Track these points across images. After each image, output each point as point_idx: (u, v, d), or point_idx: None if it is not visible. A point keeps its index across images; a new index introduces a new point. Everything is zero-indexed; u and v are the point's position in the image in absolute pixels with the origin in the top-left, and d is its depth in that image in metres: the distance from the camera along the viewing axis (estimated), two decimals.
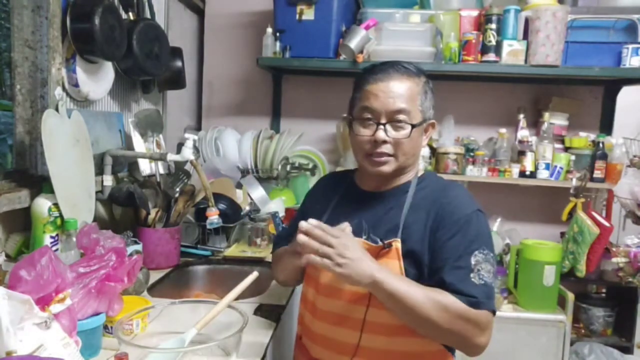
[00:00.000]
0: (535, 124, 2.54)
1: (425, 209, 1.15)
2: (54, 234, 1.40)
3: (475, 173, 2.38)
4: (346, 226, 1.12)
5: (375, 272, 1.02)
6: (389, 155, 1.17)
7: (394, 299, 1.04)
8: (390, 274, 1.06)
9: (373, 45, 2.29)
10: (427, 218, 1.14)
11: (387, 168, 1.18)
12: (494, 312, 1.09)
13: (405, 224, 1.15)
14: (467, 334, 1.05)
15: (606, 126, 2.54)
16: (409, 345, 1.13)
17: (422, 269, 1.12)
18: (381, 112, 1.15)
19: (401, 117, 1.15)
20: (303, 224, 1.05)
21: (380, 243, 1.14)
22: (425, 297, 1.04)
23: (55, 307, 0.97)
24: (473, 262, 1.08)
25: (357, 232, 1.16)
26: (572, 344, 2.27)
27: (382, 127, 1.15)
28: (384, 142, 1.16)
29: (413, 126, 1.15)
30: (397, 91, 1.15)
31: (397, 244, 1.13)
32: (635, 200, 2.12)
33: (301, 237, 1.04)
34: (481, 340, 1.07)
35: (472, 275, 1.07)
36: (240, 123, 2.68)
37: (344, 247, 1.02)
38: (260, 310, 1.42)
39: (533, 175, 2.38)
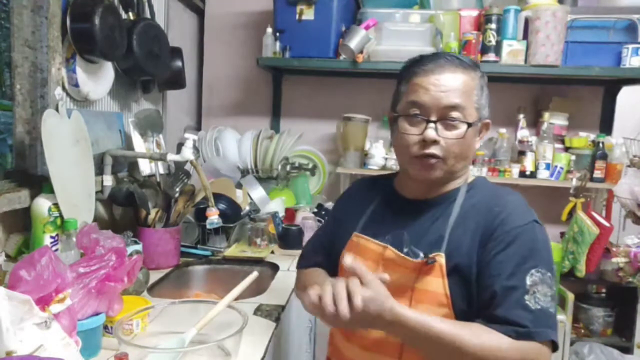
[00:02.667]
0: (535, 124, 2.54)
1: (475, 220, 1.02)
2: (54, 234, 1.40)
3: (476, 173, 2.38)
4: (386, 279, 0.92)
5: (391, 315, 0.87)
6: (439, 157, 1.02)
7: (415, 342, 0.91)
8: (409, 320, 0.88)
9: (373, 45, 2.29)
10: (476, 229, 1.00)
11: (436, 173, 1.04)
12: (553, 343, 0.92)
13: (451, 237, 1.01)
14: None
15: (606, 126, 2.54)
16: None
17: (470, 287, 0.98)
18: (432, 107, 1.01)
19: (455, 114, 1.01)
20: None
21: (421, 257, 1.01)
22: (454, 342, 0.88)
23: (55, 307, 0.97)
24: (529, 282, 0.93)
25: (397, 244, 1.05)
26: (572, 344, 2.27)
27: (432, 124, 1.00)
28: (434, 142, 1.01)
29: (469, 125, 1.01)
30: (450, 84, 1.00)
31: (441, 258, 0.99)
32: (635, 200, 2.12)
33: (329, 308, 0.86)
34: None
35: (526, 297, 0.92)
36: (240, 123, 2.68)
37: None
38: (260, 310, 1.42)
39: (533, 175, 2.38)
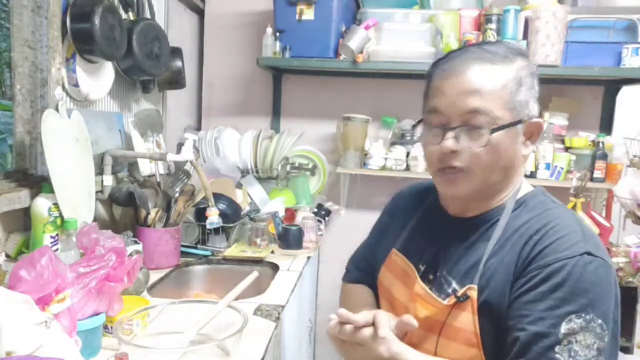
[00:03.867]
0: None
1: (514, 248, 0.86)
2: (54, 234, 1.40)
3: None
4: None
5: None
6: (461, 170, 0.89)
7: None
8: None
9: (373, 45, 2.29)
10: (511, 260, 0.85)
11: (459, 188, 0.90)
12: None
13: (487, 266, 0.87)
14: None
15: (606, 126, 2.54)
16: None
17: (500, 327, 0.84)
18: (448, 114, 0.88)
19: (478, 119, 0.86)
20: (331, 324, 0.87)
21: (453, 290, 0.89)
22: None
23: (55, 307, 0.97)
24: (564, 330, 0.77)
25: (432, 266, 0.95)
26: None
27: (450, 133, 0.87)
28: (453, 152, 0.88)
29: (493, 130, 0.85)
30: (470, 85, 0.86)
31: (473, 292, 0.86)
32: (635, 200, 2.11)
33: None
34: None
35: (557, 349, 0.76)
36: (240, 123, 2.68)
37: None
38: (260, 310, 1.42)
39: (533, 175, 2.38)
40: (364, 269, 1.19)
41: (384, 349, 0.83)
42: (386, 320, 0.84)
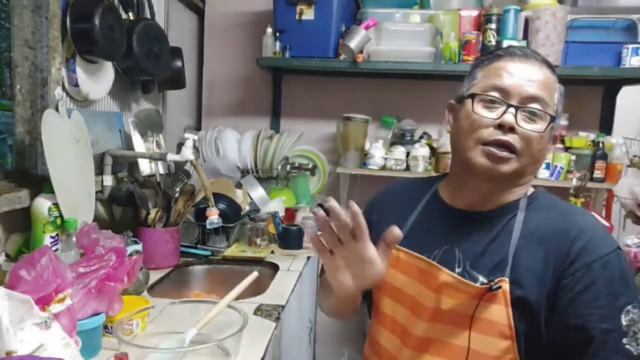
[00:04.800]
0: None
1: (542, 243, 0.88)
2: (54, 234, 1.40)
3: None
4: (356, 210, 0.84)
5: None
6: (513, 151, 0.88)
7: None
8: None
9: (373, 45, 2.29)
10: (546, 256, 0.86)
11: (505, 168, 0.89)
12: None
13: (516, 260, 0.87)
14: None
15: (606, 126, 2.54)
16: None
17: (538, 324, 0.85)
18: (514, 93, 0.89)
19: (538, 105, 0.89)
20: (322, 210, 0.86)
21: (481, 283, 0.87)
22: None
23: (55, 307, 0.97)
24: (625, 322, 0.80)
25: (447, 263, 0.93)
26: None
27: (512, 110, 0.88)
28: (511, 129, 0.88)
29: (552, 118, 0.90)
30: (536, 76, 0.91)
31: (505, 284, 0.85)
32: (635, 200, 2.11)
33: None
34: None
35: (625, 341, 0.80)
36: (240, 123, 2.68)
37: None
38: (260, 310, 1.42)
39: None
40: None
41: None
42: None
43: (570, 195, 2.26)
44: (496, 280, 0.86)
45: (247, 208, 2.19)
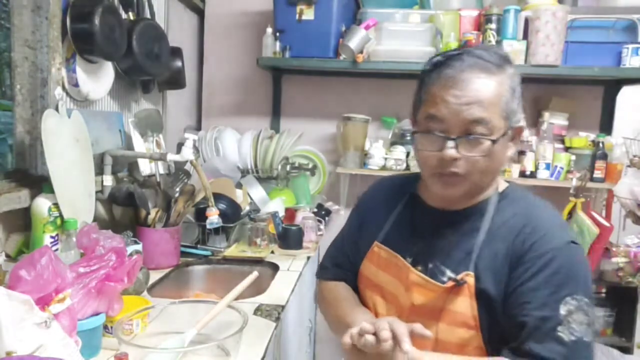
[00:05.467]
0: (535, 124, 2.53)
1: (505, 240, 0.93)
2: (54, 234, 1.40)
3: None
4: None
5: None
6: (460, 175, 0.92)
7: None
8: None
9: (373, 45, 2.29)
10: (506, 253, 0.92)
11: (457, 191, 0.95)
12: None
13: (480, 256, 0.93)
14: None
15: (606, 126, 2.54)
16: None
17: (495, 315, 0.91)
18: (452, 123, 0.90)
19: (479, 129, 0.89)
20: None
21: (448, 277, 0.94)
22: None
23: (55, 307, 0.97)
24: (563, 312, 0.86)
25: (420, 260, 0.99)
26: None
27: (451, 142, 0.90)
28: (455, 159, 0.91)
29: (494, 141, 0.90)
30: (473, 95, 0.89)
31: (470, 278, 0.92)
32: (635, 200, 2.11)
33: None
34: None
35: (559, 329, 0.85)
36: (240, 123, 2.68)
37: None
38: (260, 310, 1.42)
39: (533, 175, 2.38)
40: (342, 265, 1.19)
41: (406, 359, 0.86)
42: (406, 332, 0.85)
43: (570, 195, 2.26)
44: (462, 275, 0.93)
45: (247, 208, 2.19)
